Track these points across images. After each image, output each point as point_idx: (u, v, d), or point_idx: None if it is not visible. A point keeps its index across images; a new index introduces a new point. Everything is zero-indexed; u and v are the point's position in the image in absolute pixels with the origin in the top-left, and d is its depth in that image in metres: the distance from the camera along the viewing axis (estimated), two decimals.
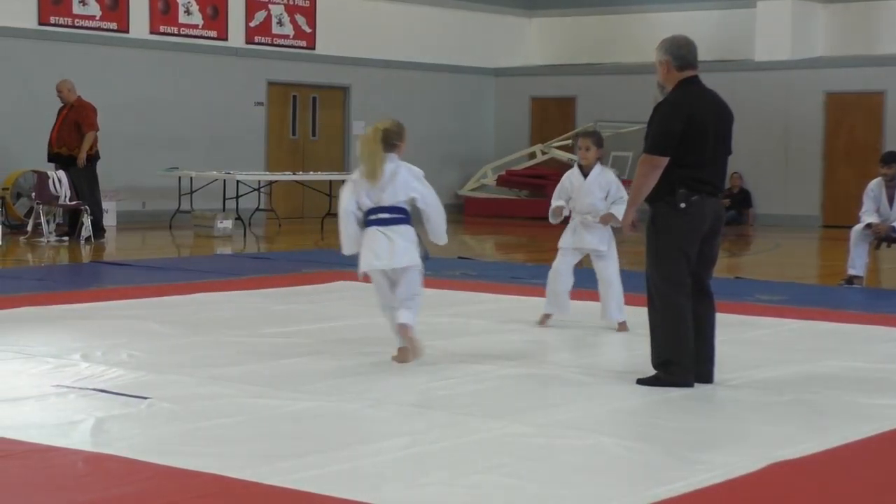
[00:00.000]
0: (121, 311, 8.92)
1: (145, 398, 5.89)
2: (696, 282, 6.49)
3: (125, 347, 7.27)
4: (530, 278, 11.25)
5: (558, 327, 8.52)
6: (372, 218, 7.00)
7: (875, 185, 11.34)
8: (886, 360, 7.39)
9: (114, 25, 18.08)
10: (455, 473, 4.72)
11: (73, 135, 15.22)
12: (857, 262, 11.19)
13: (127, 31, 18.22)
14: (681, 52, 6.50)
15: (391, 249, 6.95)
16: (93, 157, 15.26)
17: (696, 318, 6.47)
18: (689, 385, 6.37)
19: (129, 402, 5.85)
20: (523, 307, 9.12)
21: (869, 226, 11.18)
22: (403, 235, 7.02)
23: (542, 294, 8.72)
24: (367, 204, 6.99)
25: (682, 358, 6.39)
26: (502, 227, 19.49)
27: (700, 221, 6.40)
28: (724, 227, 6.65)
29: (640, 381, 6.48)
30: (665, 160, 6.34)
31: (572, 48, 23.07)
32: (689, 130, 6.34)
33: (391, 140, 6.95)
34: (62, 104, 15.38)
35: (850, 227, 11.45)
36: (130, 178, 17.83)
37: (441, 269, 12.07)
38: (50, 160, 15.37)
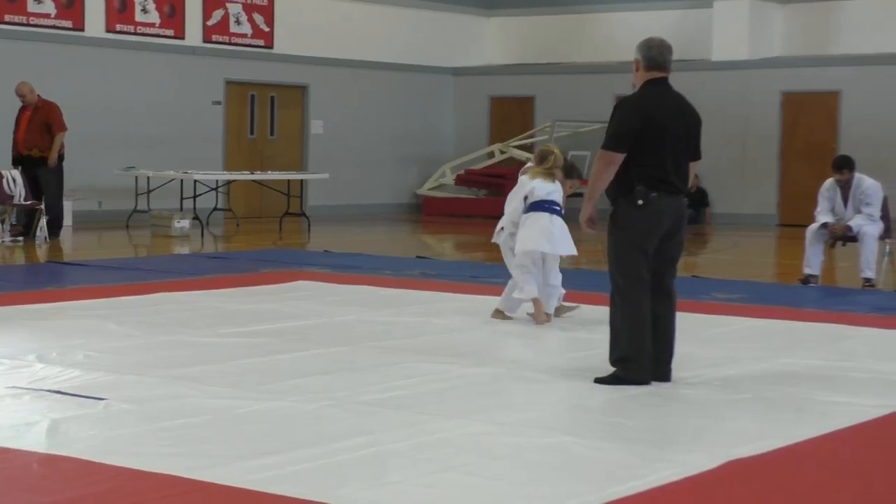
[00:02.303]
0: (77, 311, 8.84)
1: (101, 399, 5.85)
2: (658, 281, 6.54)
3: (81, 348, 7.22)
4: (489, 277, 11.26)
5: (518, 326, 8.54)
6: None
7: (830, 185, 11.41)
8: (842, 358, 7.45)
9: (69, 24, 17.93)
10: (416, 473, 4.72)
11: (42, 136, 15.18)
12: (813, 261, 11.27)
13: (83, 30, 18.08)
14: (650, 54, 6.57)
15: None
16: (61, 157, 15.22)
17: (656, 318, 6.52)
18: (646, 383, 6.41)
19: (86, 403, 5.80)
20: (483, 306, 9.13)
21: (825, 225, 11.25)
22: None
23: (500, 291, 8.79)
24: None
25: (639, 356, 6.43)
26: (461, 227, 19.51)
27: (658, 219, 6.45)
28: (685, 229, 6.69)
29: (598, 380, 6.50)
30: (620, 156, 6.41)
31: (531, 48, 23.12)
32: (646, 129, 6.40)
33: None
34: (23, 105, 15.26)
35: (806, 227, 11.52)
36: (87, 178, 17.67)
37: (400, 269, 12.07)
38: (16, 163, 15.23)
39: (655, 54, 6.57)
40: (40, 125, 15.15)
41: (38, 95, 15.32)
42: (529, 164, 8.98)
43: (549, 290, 8.64)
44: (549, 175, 8.65)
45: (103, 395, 5.93)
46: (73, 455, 4.87)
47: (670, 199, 6.48)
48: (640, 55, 6.59)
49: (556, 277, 8.67)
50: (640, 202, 6.41)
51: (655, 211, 6.44)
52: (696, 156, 6.70)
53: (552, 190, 8.63)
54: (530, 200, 8.61)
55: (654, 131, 6.42)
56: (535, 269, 8.57)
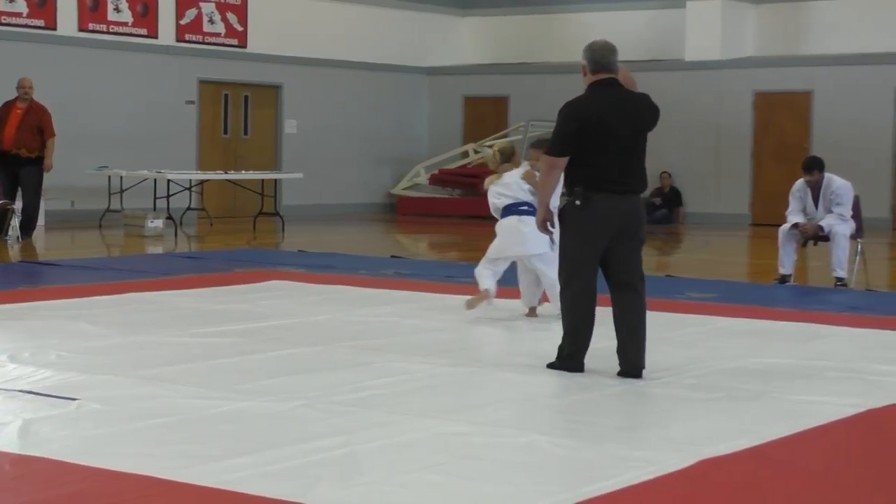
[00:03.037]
0: (50, 311, 8.80)
1: (74, 399, 5.83)
2: (617, 279, 6.69)
3: (54, 348, 7.18)
4: (463, 277, 11.27)
5: (492, 326, 8.55)
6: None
7: (801, 185, 11.47)
8: (815, 357, 7.49)
9: (41, 23, 17.84)
10: (390, 473, 4.72)
11: (33, 138, 15.14)
12: (787, 261, 11.33)
13: (55, 29, 17.99)
14: (594, 57, 6.76)
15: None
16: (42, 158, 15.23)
17: (621, 311, 6.68)
18: (577, 370, 6.66)
19: (58, 403, 5.77)
20: (457, 306, 9.13)
21: (796, 225, 11.31)
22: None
23: (475, 292, 8.81)
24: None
25: (570, 347, 6.68)
26: (435, 227, 19.52)
27: (600, 219, 6.57)
28: (642, 227, 6.71)
29: (549, 365, 6.81)
30: (563, 160, 6.59)
31: (505, 47, 23.14)
32: (587, 131, 6.55)
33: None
34: (22, 101, 15.17)
35: (778, 226, 11.58)
36: (59, 177, 17.54)
37: (375, 269, 12.06)
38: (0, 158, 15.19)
39: (599, 57, 6.74)
40: (32, 127, 15.11)
41: (32, 97, 15.30)
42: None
43: (540, 289, 8.76)
44: (497, 178, 8.76)
45: (76, 395, 5.91)
46: (46, 455, 4.85)
47: (617, 199, 6.57)
48: (585, 59, 6.78)
49: (551, 274, 8.15)
50: (578, 202, 6.57)
51: (596, 212, 6.55)
52: (633, 150, 6.67)
53: (509, 193, 8.66)
54: (502, 208, 8.73)
55: (596, 133, 6.55)
56: (502, 269, 8.78)
